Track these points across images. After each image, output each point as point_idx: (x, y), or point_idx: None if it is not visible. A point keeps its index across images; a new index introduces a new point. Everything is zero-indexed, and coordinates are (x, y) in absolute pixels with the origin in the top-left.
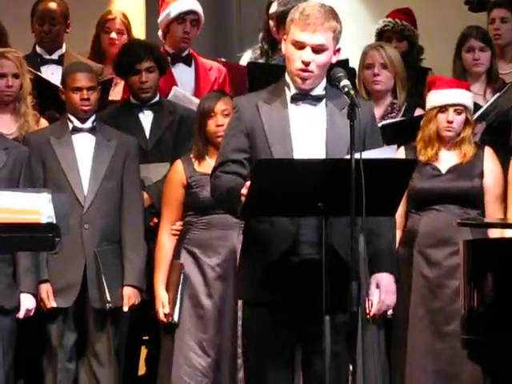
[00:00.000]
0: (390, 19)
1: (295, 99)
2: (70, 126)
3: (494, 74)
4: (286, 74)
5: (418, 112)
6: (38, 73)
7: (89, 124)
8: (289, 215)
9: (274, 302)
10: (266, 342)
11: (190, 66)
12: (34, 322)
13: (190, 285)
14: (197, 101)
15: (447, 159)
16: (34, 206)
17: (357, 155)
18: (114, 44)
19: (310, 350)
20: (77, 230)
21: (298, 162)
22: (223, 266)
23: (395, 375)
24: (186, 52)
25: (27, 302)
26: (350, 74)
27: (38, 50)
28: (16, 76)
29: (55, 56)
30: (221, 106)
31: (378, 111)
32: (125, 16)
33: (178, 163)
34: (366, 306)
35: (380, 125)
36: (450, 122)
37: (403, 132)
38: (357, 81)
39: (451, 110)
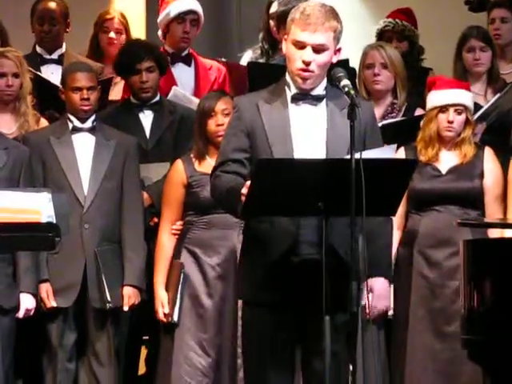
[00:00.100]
0: (390, 19)
1: (296, 99)
2: (70, 125)
3: (494, 74)
4: (287, 73)
5: (419, 112)
6: (38, 72)
7: (89, 124)
8: (289, 215)
9: (274, 301)
10: (266, 342)
11: (189, 65)
12: (34, 322)
13: (190, 284)
14: (196, 100)
15: (447, 160)
16: (34, 206)
17: (357, 155)
18: (113, 44)
19: (310, 350)
20: (77, 229)
21: (298, 161)
22: (223, 265)
23: (395, 375)
24: (186, 52)
25: (27, 302)
26: (351, 73)
27: (38, 49)
28: (16, 75)
29: (55, 56)
30: (221, 105)
31: (379, 111)
32: (123, 16)
33: (179, 163)
34: (366, 306)
35: (380, 124)
36: (451, 122)
37: (403, 132)
38: (357, 81)
39: (452, 110)
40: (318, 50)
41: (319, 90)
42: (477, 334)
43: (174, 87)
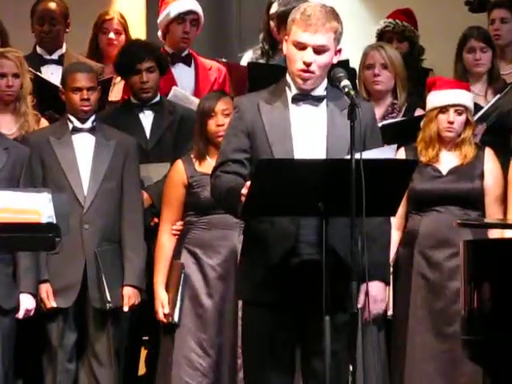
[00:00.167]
0: (390, 20)
1: (296, 99)
2: (70, 126)
3: (495, 74)
4: (287, 74)
5: (419, 112)
6: (38, 73)
7: (89, 124)
8: (289, 215)
9: (274, 302)
10: (266, 342)
11: (189, 66)
12: (34, 322)
13: (190, 285)
14: (197, 101)
15: (448, 160)
16: (34, 206)
17: (357, 155)
18: (112, 44)
19: (310, 350)
20: (77, 230)
21: (298, 162)
22: (224, 265)
23: (395, 375)
24: (186, 52)
25: (27, 302)
26: (351, 74)
27: (38, 50)
28: (16, 76)
29: (55, 56)
30: (221, 105)
31: (379, 111)
32: (122, 16)
33: (179, 163)
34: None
35: (380, 125)
36: (451, 123)
37: (403, 132)
38: (357, 81)
39: (452, 110)
40: (319, 50)
41: (320, 91)
42: (477, 335)
43: (174, 87)
